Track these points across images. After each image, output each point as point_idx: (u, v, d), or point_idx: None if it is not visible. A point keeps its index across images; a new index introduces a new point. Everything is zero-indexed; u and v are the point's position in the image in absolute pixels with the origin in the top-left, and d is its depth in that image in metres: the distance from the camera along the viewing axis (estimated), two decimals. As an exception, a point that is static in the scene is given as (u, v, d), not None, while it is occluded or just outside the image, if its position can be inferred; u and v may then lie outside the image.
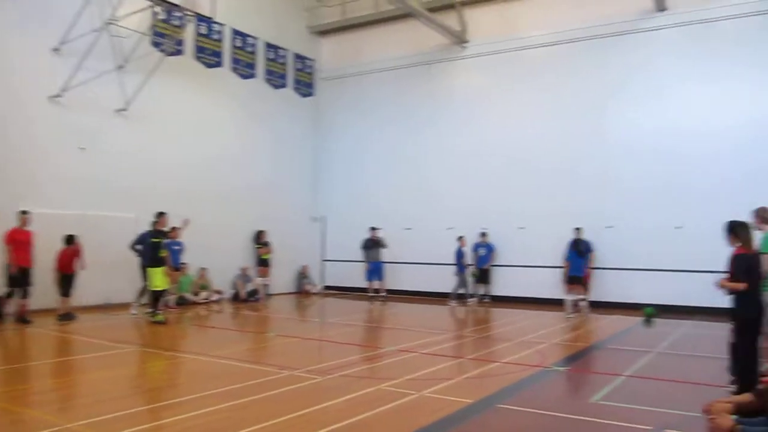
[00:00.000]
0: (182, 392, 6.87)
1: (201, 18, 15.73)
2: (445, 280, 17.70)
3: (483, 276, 17.14)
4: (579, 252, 14.33)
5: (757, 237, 7.47)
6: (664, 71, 15.57)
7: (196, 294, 16.04)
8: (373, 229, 18.21)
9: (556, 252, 15.73)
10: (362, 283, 18.93)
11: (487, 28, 18.21)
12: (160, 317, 12.20)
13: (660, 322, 13.31)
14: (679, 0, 15.49)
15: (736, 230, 7.15)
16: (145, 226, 13.37)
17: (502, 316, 14.54)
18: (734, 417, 3.75)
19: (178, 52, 16.42)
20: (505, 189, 17.33)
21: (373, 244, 18.14)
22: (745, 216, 7.57)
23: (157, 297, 12.42)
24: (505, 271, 17.26)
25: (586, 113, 16.42)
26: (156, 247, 12.46)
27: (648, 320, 13.59)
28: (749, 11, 14.64)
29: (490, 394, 6.66)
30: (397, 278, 18.74)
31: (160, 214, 12.78)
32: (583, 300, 14.61)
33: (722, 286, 7.12)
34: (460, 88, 18.67)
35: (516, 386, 7.11)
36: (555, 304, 15.47)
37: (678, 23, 15.49)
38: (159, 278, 12.41)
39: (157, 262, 12.44)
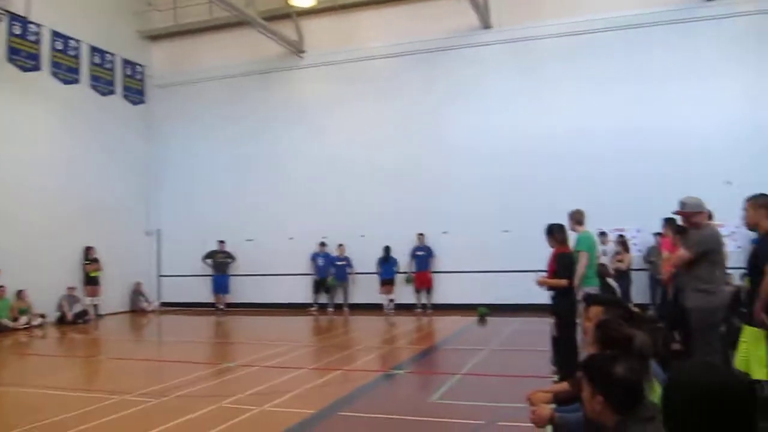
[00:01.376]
0: (1, 428, 6.22)
1: (14, 17, 14.45)
2: (290, 291, 17.63)
3: (323, 286, 17.29)
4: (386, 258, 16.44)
5: (572, 237, 8.18)
6: (491, 83, 16.57)
7: (15, 319, 14.60)
8: (221, 242, 18.06)
9: (399, 257, 16.56)
10: (202, 297, 18.35)
11: (325, 39, 18.34)
12: None
13: (492, 321, 14.11)
14: (503, 19, 16.55)
15: (554, 232, 7.82)
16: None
17: (350, 323, 14.68)
18: (553, 406, 4.04)
19: (-12, 54, 14.93)
20: (345, 197, 17.51)
21: (219, 257, 17.98)
22: (563, 219, 8.26)
23: None
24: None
25: (423, 122, 17.03)
26: None
27: (482, 319, 14.36)
28: (566, 31, 16.01)
29: (331, 402, 6.68)
30: (241, 291, 18.36)
31: None
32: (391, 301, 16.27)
33: (543, 284, 7.72)
34: (299, 98, 18.64)
35: (357, 392, 7.20)
36: (403, 308, 15.99)
37: (502, 40, 16.57)
38: None
39: None
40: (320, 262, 17.23)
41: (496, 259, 15.86)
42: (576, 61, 15.91)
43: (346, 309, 16.95)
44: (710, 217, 7.27)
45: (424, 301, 16.45)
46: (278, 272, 18.03)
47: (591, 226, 13.56)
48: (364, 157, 17.41)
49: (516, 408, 6.08)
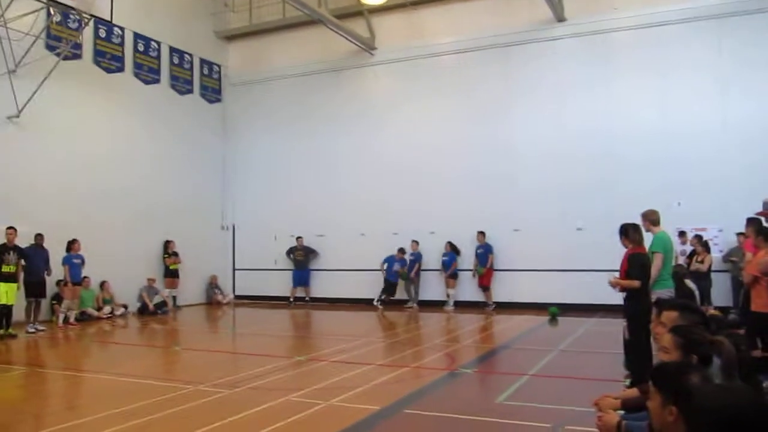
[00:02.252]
0: (81, 414, 6.52)
1: (100, 21, 15.14)
2: (358, 286, 17.81)
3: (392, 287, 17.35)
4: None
5: (647, 238, 7.91)
6: (563, 78, 16.20)
7: (99, 308, 15.36)
8: (298, 238, 18.67)
9: (464, 256, 16.56)
10: (274, 291, 18.84)
11: (396, 35, 18.41)
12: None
13: (564, 321, 13.83)
14: (576, 12, 16.17)
15: (629, 232, 7.57)
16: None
17: (417, 319, 14.69)
18: (621, 412, 3.92)
19: (76, 56, 15.69)
20: (417, 193, 17.52)
21: (298, 254, 18.59)
22: (638, 219, 8.01)
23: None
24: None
25: (494, 118, 16.84)
26: None
27: (553, 319, 14.09)
28: (641, 23, 15.47)
29: (397, 399, 6.70)
30: (314, 285, 18.76)
31: (7, 228, 12.29)
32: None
33: (616, 284, 7.50)
34: (370, 94, 18.78)
35: (424, 390, 7.20)
36: (473, 306, 15.91)
37: (575, 33, 16.18)
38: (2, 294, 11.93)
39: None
40: (395, 266, 17.15)
41: (569, 259, 15.52)
42: (652, 53, 15.36)
43: (414, 306, 16.99)
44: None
45: (485, 299, 16.34)
46: (348, 268, 18.23)
47: (669, 226, 13.24)
48: (434, 153, 17.37)
49: (583, 412, 5.93)
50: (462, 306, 16.41)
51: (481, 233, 16.33)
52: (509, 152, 16.56)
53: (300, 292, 18.64)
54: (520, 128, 16.52)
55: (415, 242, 17.20)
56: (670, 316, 3.66)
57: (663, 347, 3.28)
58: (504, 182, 16.54)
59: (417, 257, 17.25)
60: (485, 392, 7.52)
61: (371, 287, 17.62)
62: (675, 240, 13.90)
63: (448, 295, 16.69)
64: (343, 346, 10.47)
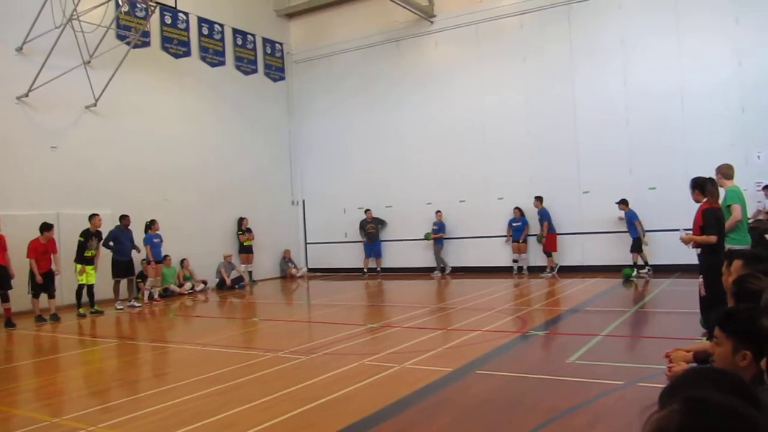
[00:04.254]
0: (168, 380, 6.96)
1: (165, 7, 15.63)
2: (430, 255, 18.02)
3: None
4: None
5: (721, 193, 7.68)
6: (630, 31, 15.65)
7: (180, 285, 16.09)
8: (366, 210, 18.97)
9: (534, 222, 16.39)
10: (346, 263, 19.25)
11: (455, 1, 18.19)
12: (81, 311, 12.65)
13: (642, 282, 13.60)
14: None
15: (703, 186, 7.37)
16: (116, 222, 13.83)
17: (482, 286, 14.71)
18: (693, 364, 3.91)
19: (145, 44, 16.26)
20: (482, 160, 17.43)
21: (369, 228, 18.89)
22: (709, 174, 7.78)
23: (79, 292, 12.78)
24: (484, 242, 17.46)
25: (557, 80, 16.50)
26: (82, 246, 12.78)
27: (627, 280, 13.86)
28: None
29: (469, 361, 6.82)
30: (385, 256, 19.06)
31: (92, 216, 13.06)
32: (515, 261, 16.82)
33: (689, 240, 7.33)
34: (430, 62, 18.67)
35: (495, 352, 7.29)
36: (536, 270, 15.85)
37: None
38: (83, 275, 12.74)
39: (82, 260, 12.75)
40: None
41: (643, 219, 15.15)
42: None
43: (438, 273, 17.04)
44: None
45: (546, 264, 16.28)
46: (416, 237, 18.37)
47: (749, 180, 12.75)
48: (497, 118, 17.23)
49: (657, 370, 5.88)
50: (532, 271, 16.35)
51: (538, 198, 16.14)
52: (574, 114, 16.21)
53: (372, 263, 18.98)
54: (583, 89, 16.13)
55: (438, 212, 17.70)
56: (736, 265, 3.62)
57: (729, 298, 3.26)
58: (569, 145, 16.24)
59: (440, 227, 17.58)
60: (556, 352, 7.54)
61: (455, 255, 17.85)
62: (759, 194, 13.43)
63: (515, 261, 16.66)
64: (414, 313, 10.65)
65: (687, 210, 8.48)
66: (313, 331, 10.18)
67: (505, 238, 16.95)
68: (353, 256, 19.19)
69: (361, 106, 19.60)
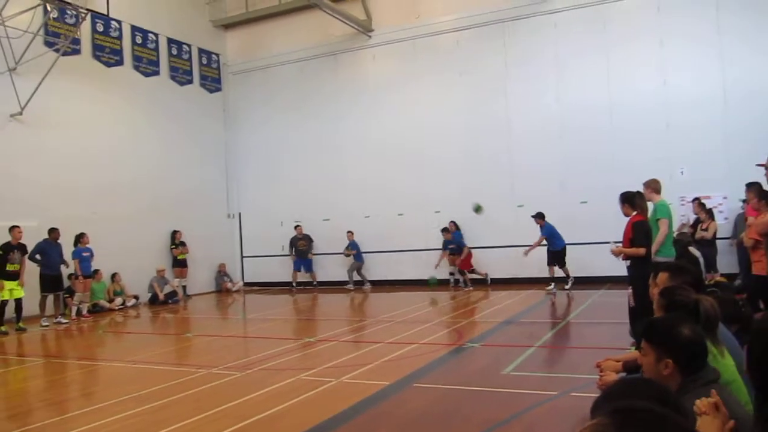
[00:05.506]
0: (97, 399, 6.69)
1: (96, 15, 15.19)
2: (367, 267, 18.02)
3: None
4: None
5: (649, 207, 7.97)
6: (561, 51, 16.16)
7: (110, 300, 15.55)
8: (297, 227, 18.81)
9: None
10: (283, 276, 18.99)
11: (392, 16, 18.35)
12: (3, 329, 11.99)
13: (573, 293, 13.97)
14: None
15: (632, 200, 7.65)
16: (45, 235, 13.17)
17: (419, 299, 14.80)
18: (623, 373, 4.03)
19: (75, 52, 15.73)
20: (419, 173, 17.60)
21: (300, 245, 18.73)
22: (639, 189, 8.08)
23: (1, 308, 12.12)
24: (422, 255, 17.59)
25: (493, 96, 16.87)
26: (2, 260, 12.14)
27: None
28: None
29: (407, 374, 6.83)
30: (319, 269, 18.92)
31: (12, 227, 12.45)
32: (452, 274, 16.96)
33: (619, 253, 7.58)
34: (368, 76, 18.76)
35: (432, 365, 7.33)
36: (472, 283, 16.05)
37: (574, 5, 16.10)
38: (3, 291, 12.07)
39: (3, 275, 12.11)
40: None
41: (572, 232, 15.55)
42: (649, 21, 15.30)
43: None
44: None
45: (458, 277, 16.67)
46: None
47: (673, 194, 13.26)
48: (434, 132, 17.44)
49: (589, 380, 6.03)
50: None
51: (453, 224, 16.59)
52: (509, 129, 16.58)
53: (305, 277, 18.78)
54: (517, 104, 16.54)
55: (350, 232, 18.04)
56: (662, 278, 3.75)
57: (655, 309, 3.38)
58: (503, 159, 16.59)
59: (353, 245, 17.99)
60: (492, 364, 7.62)
61: (380, 268, 17.87)
62: (681, 208, 14.03)
63: (451, 274, 16.84)
64: (351, 326, 10.61)
65: (617, 223, 8.75)
66: (249, 346, 10.01)
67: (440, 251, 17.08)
68: (290, 270, 18.99)
69: (299, 118, 19.49)
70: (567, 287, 14.63)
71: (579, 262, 15.13)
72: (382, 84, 18.43)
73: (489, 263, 16.69)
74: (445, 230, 16.67)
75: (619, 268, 8.58)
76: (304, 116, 19.42)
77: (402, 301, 14.52)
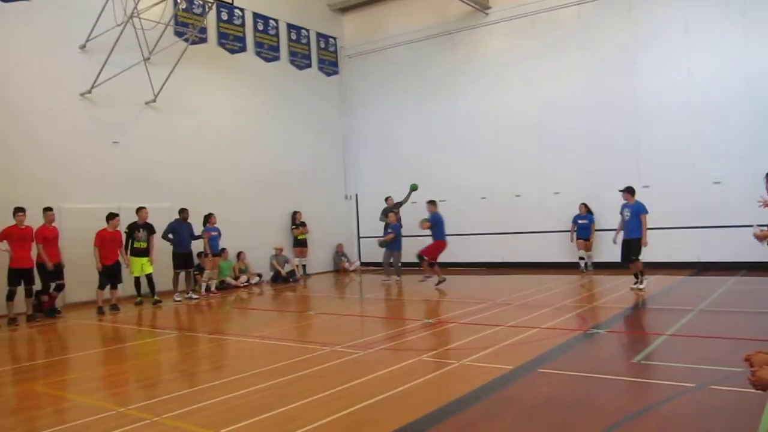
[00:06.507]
0: (227, 373, 7.01)
1: (221, 4, 15.82)
2: (483, 249, 17.81)
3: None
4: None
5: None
6: (694, 19, 15.09)
7: (236, 278, 16.31)
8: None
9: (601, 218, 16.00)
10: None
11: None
12: (139, 299, 13.28)
13: (704, 280, 13.14)
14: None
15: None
16: (175, 215, 14.05)
17: (539, 282, 14.45)
18: (777, 368, 3.69)
19: (202, 41, 16.53)
20: (539, 152, 17.14)
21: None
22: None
23: (137, 283, 13.33)
24: (540, 237, 17.15)
25: (616, 71, 16.07)
26: (128, 238, 13.15)
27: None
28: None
29: (530, 359, 6.67)
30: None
31: (139, 209, 13.34)
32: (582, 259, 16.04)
33: (764, 237, 6.99)
34: (486, 55, 18.43)
35: (556, 350, 7.10)
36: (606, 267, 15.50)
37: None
38: (134, 266, 13.15)
39: (131, 252, 13.16)
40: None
41: (707, 215, 14.62)
42: None
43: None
44: None
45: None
46: (471, 232, 18.17)
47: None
48: (555, 110, 16.89)
49: (730, 372, 5.67)
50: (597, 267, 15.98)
51: (432, 203, 14.94)
52: (633, 106, 15.75)
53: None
54: (644, 80, 15.66)
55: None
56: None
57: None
58: (628, 137, 15.80)
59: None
60: (621, 352, 7.31)
61: (497, 250, 17.60)
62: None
63: (581, 258, 16.17)
64: (470, 309, 10.51)
65: (753, 205, 8.10)
66: (369, 325, 10.15)
67: (568, 235, 16.47)
68: (406, 251, 19.03)
69: (415, 99, 19.50)
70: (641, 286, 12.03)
71: (708, 246, 14.23)
72: (500, 62, 18.05)
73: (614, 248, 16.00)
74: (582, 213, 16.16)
75: (759, 253, 7.96)
76: (420, 97, 19.40)
77: (520, 284, 14.24)
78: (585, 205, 16.01)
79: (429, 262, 14.44)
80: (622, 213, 11.99)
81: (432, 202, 14.88)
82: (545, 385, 5.78)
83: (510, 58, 17.89)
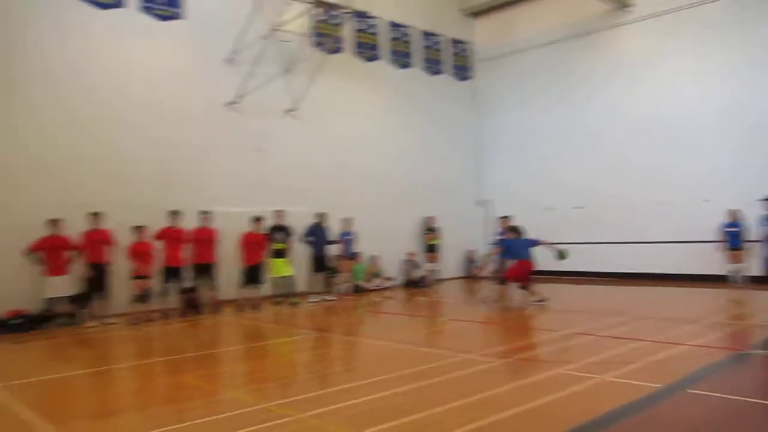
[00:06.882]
0: (360, 376, 7.14)
1: (357, 14, 16.25)
2: (618, 258, 17.03)
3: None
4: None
5: None
6: None
7: (369, 281, 16.65)
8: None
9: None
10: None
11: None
12: (277, 300, 13.82)
13: None
14: None
15: None
16: (313, 219, 14.56)
17: (681, 295, 13.59)
18: None
19: (339, 50, 17.06)
20: (685, 158, 16.14)
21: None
22: None
23: (276, 283, 13.86)
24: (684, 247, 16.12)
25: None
26: (268, 240, 13.69)
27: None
28: None
29: (678, 378, 6.27)
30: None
31: (277, 212, 14.02)
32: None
33: None
34: (624, 54, 17.61)
35: (707, 370, 6.63)
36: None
37: None
38: (273, 268, 13.68)
39: (271, 253, 13.65)
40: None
41: None
42: None
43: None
44: None
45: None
46: (615, 240, 17.42)
47: None
48: (701, 111, 15.88)
49: None
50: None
51: (504, 218, 14.24)
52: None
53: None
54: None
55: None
56: None
57: None
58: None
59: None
60: (783, 376, 6.71)
61: (634, 260, 16.76)
62: None
63: (731, 270, 14.71)
64: (609, 321, 10.07)
65: None
66: (503, 333, 10.00)
67: (716, 245, 15.26)
68: (541, 258, 18.55)
69: (550, 102, 19.03)
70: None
71: None
72: (640, 61, 17.22)
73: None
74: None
75: None
76: (554, 100, 18.92)
77: (660, 296, 13.46)
78: (735, 211, 14.74)
79: (501, 279, 13.81)
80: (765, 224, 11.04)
81: (505, 219, 14.19)
82: (695, 407, 5.42)
83: (650, 56, 16.97)
